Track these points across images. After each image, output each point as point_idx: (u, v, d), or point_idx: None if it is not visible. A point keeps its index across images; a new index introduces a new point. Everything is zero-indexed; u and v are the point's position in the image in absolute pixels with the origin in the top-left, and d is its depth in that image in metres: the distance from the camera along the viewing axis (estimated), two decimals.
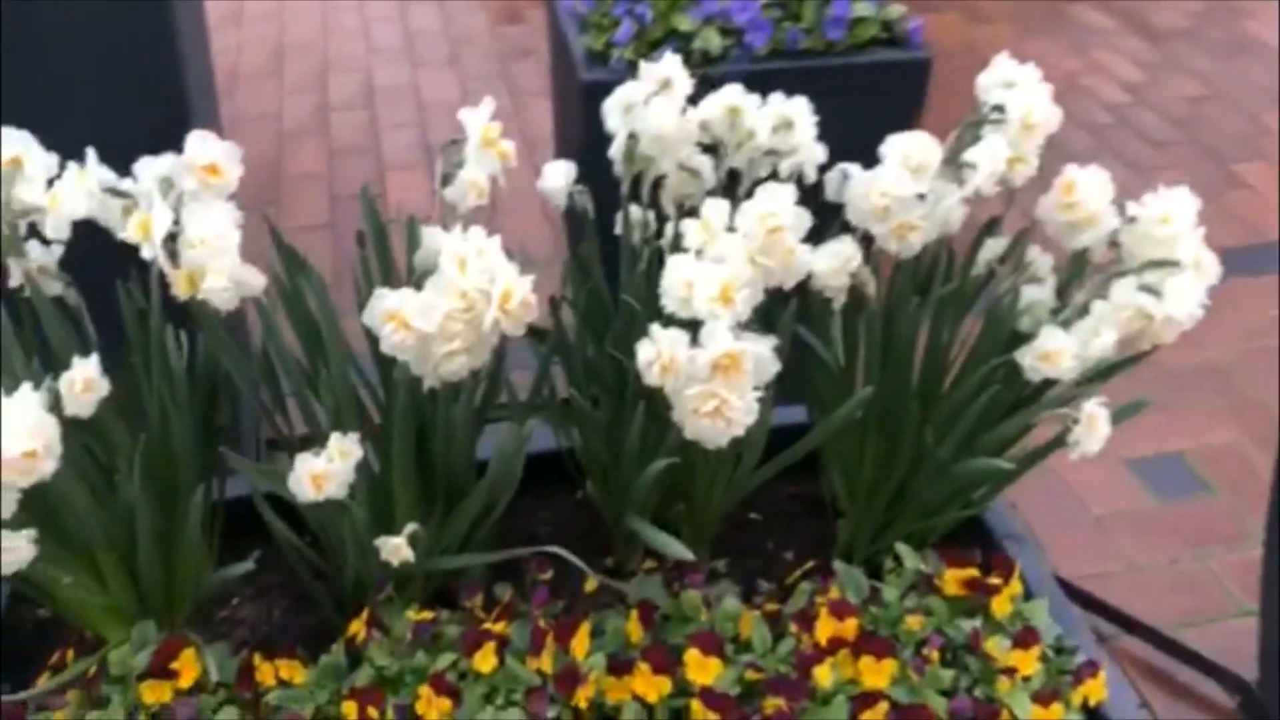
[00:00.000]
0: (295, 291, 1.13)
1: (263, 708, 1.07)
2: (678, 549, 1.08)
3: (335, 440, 1.00)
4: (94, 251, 1.04)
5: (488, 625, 1.10)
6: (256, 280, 0.96)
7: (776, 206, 0.97)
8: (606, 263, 1.22)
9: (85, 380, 0.99)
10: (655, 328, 0.96)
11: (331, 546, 1.19)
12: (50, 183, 1.01)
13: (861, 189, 1.06)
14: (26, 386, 0.90)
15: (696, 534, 1.31)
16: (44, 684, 1.09)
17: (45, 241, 1.07)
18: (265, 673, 1.09)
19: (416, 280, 1.05)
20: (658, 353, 0.94)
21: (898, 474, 1.26)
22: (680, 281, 0.98)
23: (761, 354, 0.93)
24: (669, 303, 0.99)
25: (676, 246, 1.09)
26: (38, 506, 1.05)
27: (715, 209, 1.01)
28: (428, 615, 1.12)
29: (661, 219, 1.25)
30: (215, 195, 1.04)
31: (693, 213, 1.07)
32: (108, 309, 1.11)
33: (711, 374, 0.92)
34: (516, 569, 1.31)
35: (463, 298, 0.99)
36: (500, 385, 1.22)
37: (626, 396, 1.16)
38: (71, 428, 1.07)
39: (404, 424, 1.10)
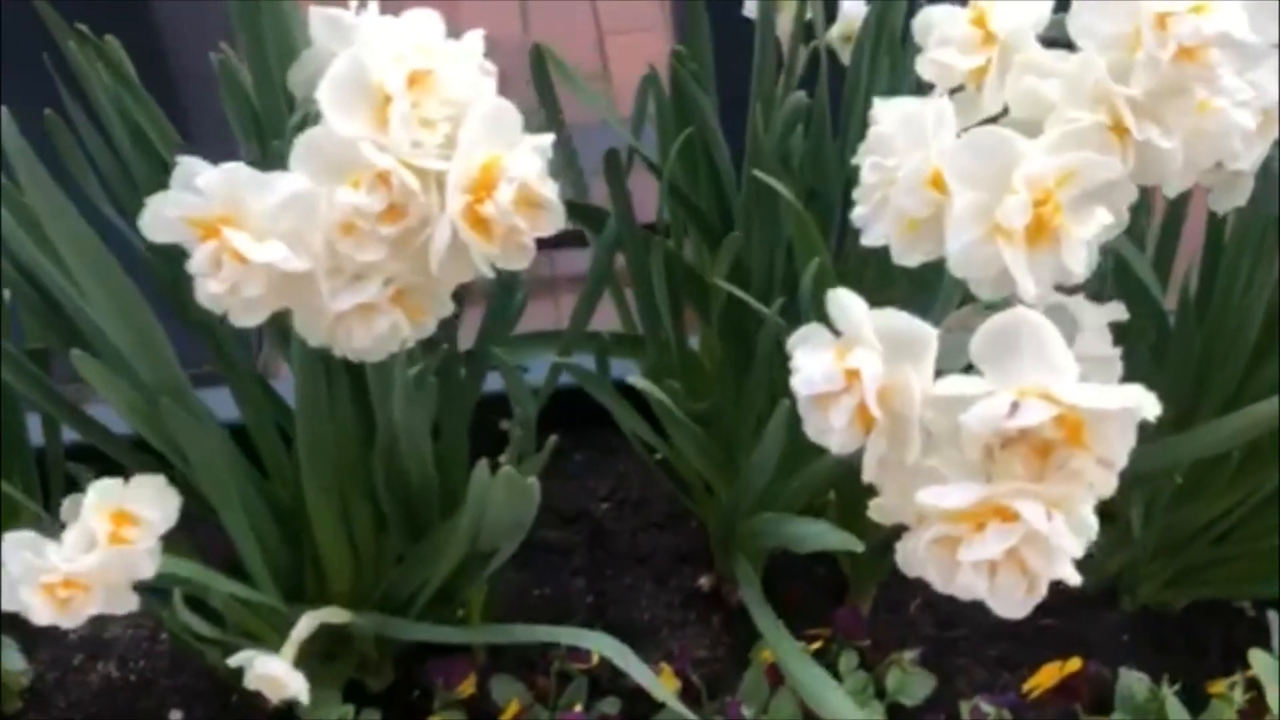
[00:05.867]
0: None
1: None
2: None
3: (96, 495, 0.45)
4: None
5: None
6: None
7: None
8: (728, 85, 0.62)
9: None
10: (844, 300, 0.37)
11: None
12: None
13: None
14: None
15: (861, 570, 0.76)
16: None
17: None
18: None
19: (293, 130, 0.47)
20: (837, 372, 0.36)
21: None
22: (918, 170, 0.38)
23: (1135, 404, 0.34)
24: (885, 227, 0.41)
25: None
26: None
27: None
28: None
29: None
30: None
31: None
32: None
33: (1000, 454, 0.34)
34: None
35: (381, 185, 0.42)
36: (515, 298, 0.66)
37: (755, 355, 0.59)
38: None
39: (310, 413, 0.55)
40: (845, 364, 0.36)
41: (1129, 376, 0.37)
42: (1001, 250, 0.37)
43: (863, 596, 0.78)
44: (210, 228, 0.41)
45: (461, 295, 0.63)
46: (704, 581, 0.82)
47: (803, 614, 0.80)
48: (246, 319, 0.44)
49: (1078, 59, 0.37)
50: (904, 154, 0.39)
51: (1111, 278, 0.69)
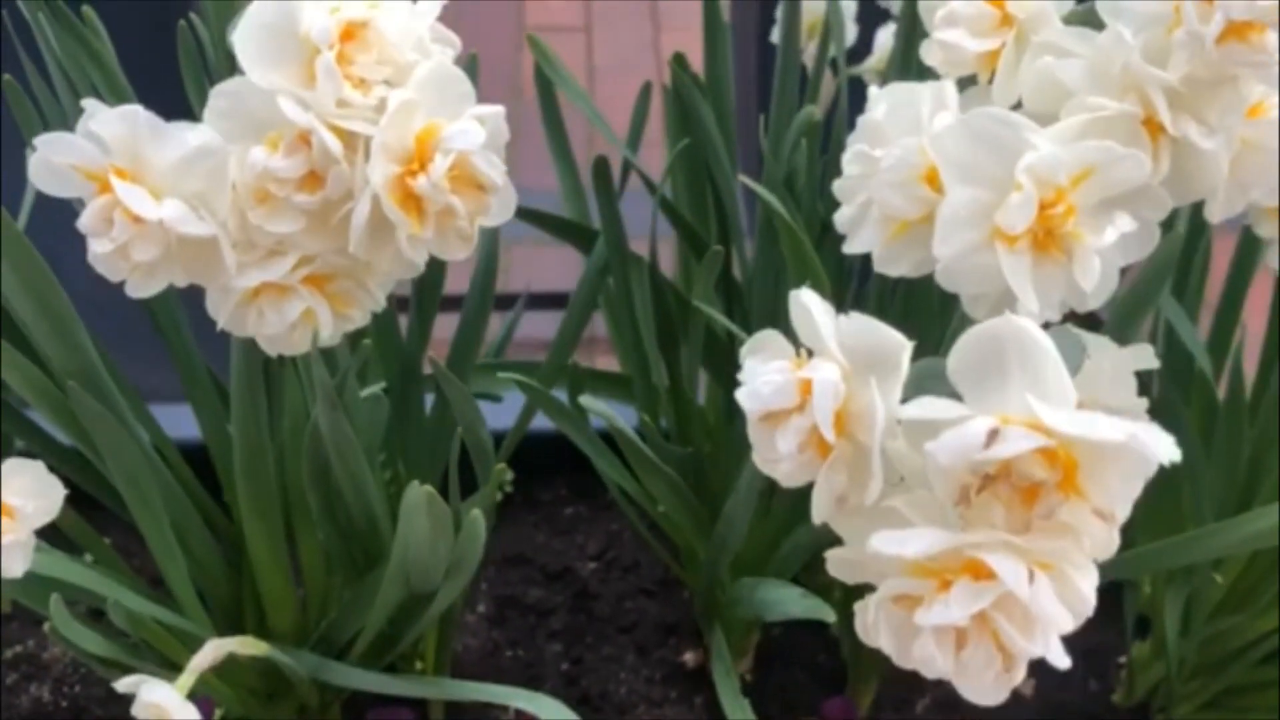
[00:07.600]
0: None
1: None
2: None
3: None
4: None
5: None
6: None
7: None
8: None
9: None
10: (806, 301, 0.31)
11: None
12: None
13: None
14: None
15: (860, 658, 0.68)
16: None
17: None
18: None
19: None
20: (791, 385, 0.30)
21: None
22: (907, 159, 0.32)
23: (1152, 444, 0.27)
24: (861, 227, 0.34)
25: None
26: None
27: None
28: None
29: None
30: None
31: None
32: None
33: (978, 497, 0.27)
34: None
35: (302, 147, 0.37)
36: (486, 312, 0.60)
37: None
38: None
39: (245, 424, 0.50)
40: (800, 375, 0.30)
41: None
42: (1000, 258, 0.31)
43: (863, 689, 0.70)
44: (105, 181, 0.37)
45: (430, 303, 0.59)
46: (690, 657, 0.75)
47: (797, 703, 0.72)
48: (144, 289, 0.39)
49: (1104, 36, 0.31)
50: (894, 142, 0.33)
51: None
